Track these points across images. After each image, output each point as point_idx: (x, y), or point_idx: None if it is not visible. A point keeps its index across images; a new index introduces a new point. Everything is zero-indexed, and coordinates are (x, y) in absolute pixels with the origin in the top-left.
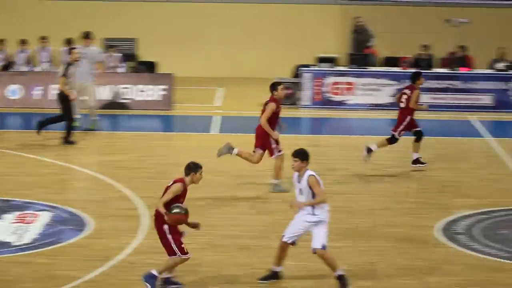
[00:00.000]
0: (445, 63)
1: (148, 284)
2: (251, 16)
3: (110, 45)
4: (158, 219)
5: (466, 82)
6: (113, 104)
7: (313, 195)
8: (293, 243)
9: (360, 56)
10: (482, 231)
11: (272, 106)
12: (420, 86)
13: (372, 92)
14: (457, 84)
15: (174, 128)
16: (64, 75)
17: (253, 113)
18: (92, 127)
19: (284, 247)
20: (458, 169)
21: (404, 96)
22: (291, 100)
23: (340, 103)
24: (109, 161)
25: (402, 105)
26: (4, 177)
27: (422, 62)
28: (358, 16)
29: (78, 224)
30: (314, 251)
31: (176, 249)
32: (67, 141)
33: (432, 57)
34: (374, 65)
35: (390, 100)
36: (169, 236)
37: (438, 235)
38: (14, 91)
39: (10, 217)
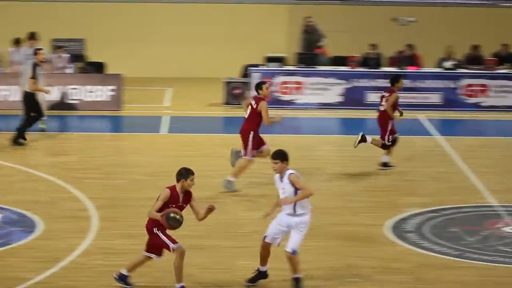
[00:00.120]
0: (393, 62)
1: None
2: (200, 16)
3: (58, 45)
4: (149, 223)
5: (415, 81)
6: (62, 105)
7: (296, 193)
8: (278, 244)
9: (309, 55)
10: (431, 229)
11: (266, 104)
12: (400, 88)
13: (321, 91)
14: (406, 82)
15: (124, 129)
16: (33, 76)
17: (202, 113)
18: (43, 128)
19: (266, 247)
20: (407, 168)
21: (384, 99)
22: (241, 99)
23: (289, 103)
24: (58, 162)
25: (382, 108)
26: None
27: (371, 61)
28: (308, 16)
29: (28, 226)
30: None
31: (169, 242)
32: (17, 142)
33: (380, 56)
34: (325, 65)
35: (338, 99)
36: (161, 235)
37: (388, 233)
38: None
39: None
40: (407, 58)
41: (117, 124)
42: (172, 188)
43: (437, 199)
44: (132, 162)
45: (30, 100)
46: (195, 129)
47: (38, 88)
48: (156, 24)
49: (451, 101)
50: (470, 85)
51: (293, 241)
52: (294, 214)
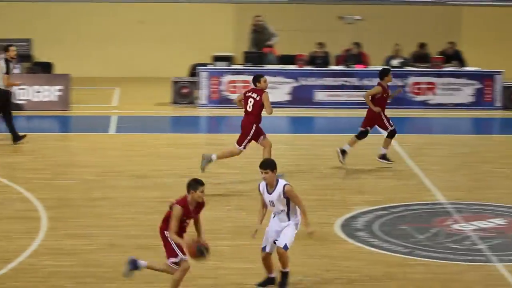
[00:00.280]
0: (340, 60)
1: (129, 267)
2: (147, 15)
3: (4, 45)
4: (161, 227)
5: (362, 79)
6: None
7: (288, 204)
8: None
9: (256, 54)
10: (381, 227)
11: (268, 95)
12: (389, 83)
13: (269, 90)
14: (353, 81)
15: (72, 129)
16: (7, 72)
17: (150, 113)
18: None
19: (267, 258)
20: (356, 166)
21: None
22: (189, 99)
23: None
24: (6, 162)
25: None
26: None
27: (318, 59)
28: (258, 15)
29: None
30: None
31: (177, 249)
32: (17, 138)
33: (327, 54)
34: (273, 64)
35: (287, 98)
36: (171, 241)
37: (337, 231)
38: None
39: None
40: (354, 56)
41: (65, 124)
42: (182, 203)
43: (386, 197)
44: (80, 162)
45: (4, 96)
46: (143, 129)
47: (12, 83)
48: (104, 24)
49: (398, 99)
50: (417, 83)
51: (286, 236)
52: (287, 221)
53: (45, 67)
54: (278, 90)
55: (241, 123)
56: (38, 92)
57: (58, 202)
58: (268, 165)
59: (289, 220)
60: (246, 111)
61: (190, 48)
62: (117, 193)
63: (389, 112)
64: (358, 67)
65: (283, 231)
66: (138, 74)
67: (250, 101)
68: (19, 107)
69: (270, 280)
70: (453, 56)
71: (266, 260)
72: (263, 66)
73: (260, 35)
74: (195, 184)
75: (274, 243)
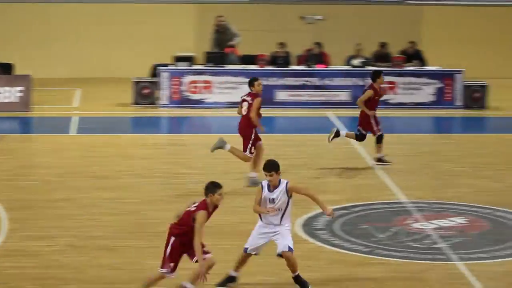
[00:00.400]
0: (301, 60)
1: None
2: (108, 16)
3: None
4: (174, 228)
5: (323, 79)
6: None
7: (287, 204)
8: (257, 254)
9: (218, 54)
10: (342, 226)
11: (260, 100)
12: (381, 85)
13: (230, 90)
14: (314, 81)
15: (33, 130)
16: None
17: (111, 114)
18: None
19: (245, 258)
20: (317, 165)
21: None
22: (150, 99)
23: (198, 102)
24: None
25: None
26: None
27: (279, 59)
28: (220, 15)
29: None
30: (280, 254)
31: (168, 261)
32: None
33: (289, 54)
34: (234, 64)
35: None
36: (168, 248)
37: (298, 231)
38: None
39: None
40: (316, 56)
41: (26, 125)
42: (204, 207)
43: (347, 196)
44: (41, 163)
45: None
46: (104, 130)
47: None
48: (64, 24)
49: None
50: None
51: (287, 239)
52: (279, 225)
53: (6, 68)
54: (239, 90)
55: (238, 125)
56: None
57: (20, 203)
58: (272, 167)
59: (280, 223)
60: (241, 114)
61: (151, 48)
62: (79, 194)
63: (351, 112)
64: (319, 67)
65: (281, 234)
66: (99, 75)
67: (245, 104)
68: None
69: (230, 279)
70: (413, 55)
71: (244, 259)
72: (224, 67)
73: (222, 35)
74: (213, 187)
75: (256, 254)
